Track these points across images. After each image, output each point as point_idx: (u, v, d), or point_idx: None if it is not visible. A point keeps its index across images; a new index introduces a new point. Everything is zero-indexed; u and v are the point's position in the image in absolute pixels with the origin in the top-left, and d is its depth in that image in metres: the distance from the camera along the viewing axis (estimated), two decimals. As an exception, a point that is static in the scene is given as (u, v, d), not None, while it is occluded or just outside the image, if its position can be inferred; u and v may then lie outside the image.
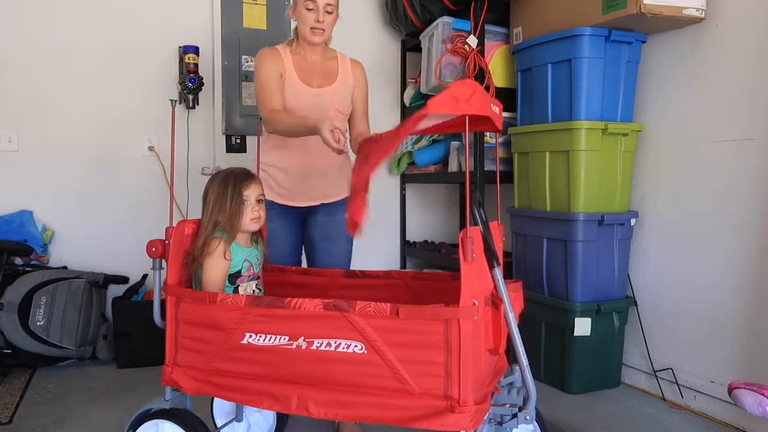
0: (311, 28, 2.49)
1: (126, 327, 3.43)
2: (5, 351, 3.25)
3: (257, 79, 2.54)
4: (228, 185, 2.04)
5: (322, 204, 2.65)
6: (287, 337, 1.75)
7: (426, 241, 4.37)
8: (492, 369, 1.80)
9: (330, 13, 2.49)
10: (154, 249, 1.96)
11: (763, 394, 1.96)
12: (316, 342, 1.71)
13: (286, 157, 2.56)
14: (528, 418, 1.77)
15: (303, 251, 2.75)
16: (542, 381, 3.21)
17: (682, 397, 2.94)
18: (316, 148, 2.49)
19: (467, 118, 1.53)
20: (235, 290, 2.06)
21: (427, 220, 4.53)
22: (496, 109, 1.71)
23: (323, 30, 2.50)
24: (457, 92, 1.51)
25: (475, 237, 1.58)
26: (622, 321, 3.14)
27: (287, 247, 2.61)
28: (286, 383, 1.76)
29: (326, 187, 2.62)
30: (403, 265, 4.43)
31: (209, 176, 2.12)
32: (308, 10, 2.46)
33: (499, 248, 1.86)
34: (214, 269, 2.01)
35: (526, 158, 3.31)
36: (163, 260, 1.97)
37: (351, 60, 2.72)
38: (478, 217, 1.66)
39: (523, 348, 1.74)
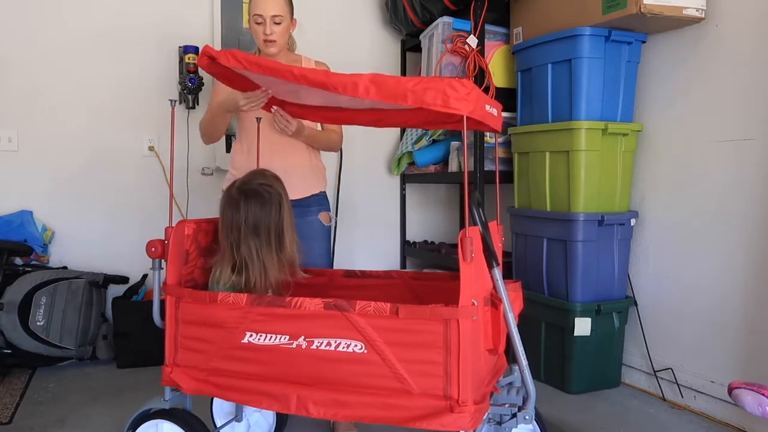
0: (263, 41, 2.52)
1: (126, 327, 3.43)
2: (5, 351, 3.25)
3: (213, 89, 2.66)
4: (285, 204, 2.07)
5: (293, 204, 2.63)
6: (287, 337, 1.74)
7: (426, 241, 4.36)
8: (491, 369, 1.80)
9: (279, 23, 2.50)
10: (153, 249, 1.95)
11: (763, 394, 1.96)
12: (317, 341, 1.71)
13: (251, 158, 2.55)
14: (527, 417, 1.77)
15: None
16: (542, 381, 3.21)
17: (682, 397, 2.94)
18: (279, 148, 2.55)
19: (465, 117, 1.52)
20: None
21: (427, 220, 4.52)
22: (493, 110, 1.71)
23: (274, 41, 2.51)
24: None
25: (474, 237, 1.58)
26: (622, 321, 3.14)
27: None
28: (286, 383, 1.76)
29: (292, 185, 2.61)
30: (403, 265, 4.43)
31: (235, 194, 2.04)
32: (257, 24, 2.50)
33: (498, 248, 1.86)
34: None
35: (526, 158, 3.31)
36: (163, 260, 1.97)
37: (315, 62, 2.73)
38: (476, 217, 1.66)
39: (522, 348, 1.74)
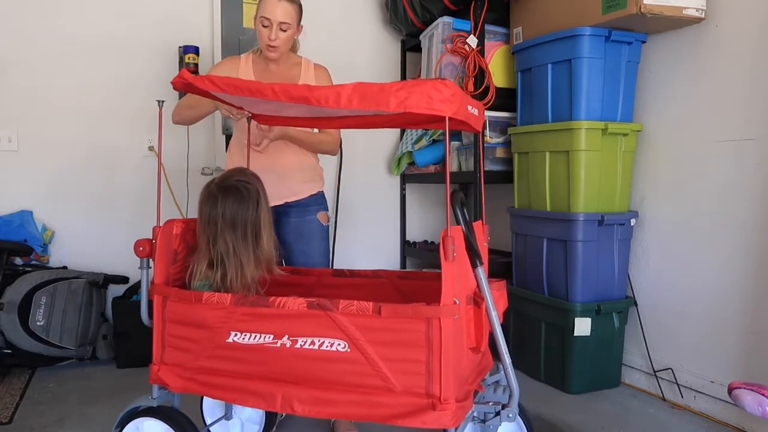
0: (266, 45, 2.48)
1: (126, 327, 3.44)
2: (5, 351, 3.27)
3: None
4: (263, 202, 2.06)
5: (291, 204, 2.64)
6: (272, 336, 1.75)
7: (426, 241, 4.36)
8: (475, 367, 1.79)
9: (285, 30, 2.45)
10: (141, 248, 1.97)
11: (763, 394, 1.94)
12: (300, 340, 1.72)
13: (246, 158, 2.54)
14: (510, 416, 1.77)
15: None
16: (542, 381, 3.19)
17: (682, 397, 2.92)
18: (276, 148, 2.53)
19: (447, 118, 1.52)
20: None
21: (427, 220, 4.52)
22: (475, 110, 1.71)
23: (277, 47, 2.48)
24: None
25: (456, 236, 1.58)
26: (622, 321, 3.12)
27: None
28: (271, 381, 1.77)
29: (289, 186, 2.61)
30: (403, 265, 4.43)
31: (220, 187, 2.03)
32: (264, 26, 2.45)
33: (483, 248, 1.85)
34: None
35: (526, 158, 3.30)
36: (151, 259, 1.97)
37: (315, 65, 2.69)
38: (460, 216, 1.65)
39: (506, 346, 1.73)
